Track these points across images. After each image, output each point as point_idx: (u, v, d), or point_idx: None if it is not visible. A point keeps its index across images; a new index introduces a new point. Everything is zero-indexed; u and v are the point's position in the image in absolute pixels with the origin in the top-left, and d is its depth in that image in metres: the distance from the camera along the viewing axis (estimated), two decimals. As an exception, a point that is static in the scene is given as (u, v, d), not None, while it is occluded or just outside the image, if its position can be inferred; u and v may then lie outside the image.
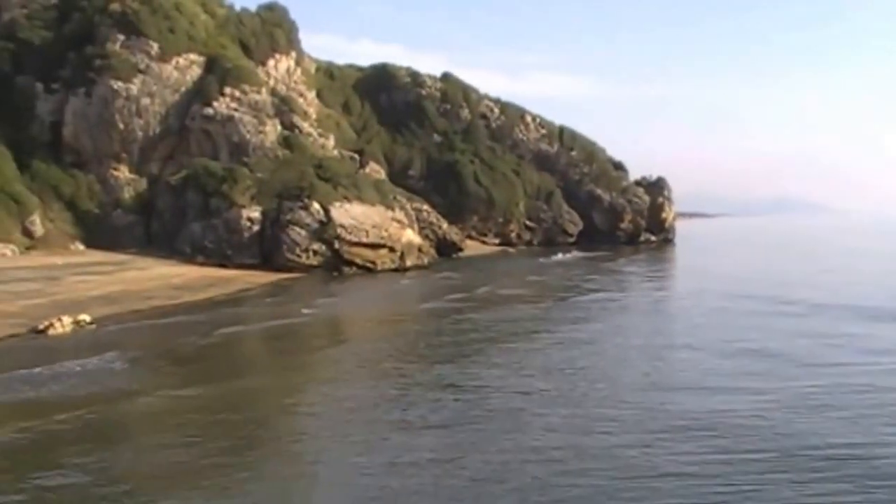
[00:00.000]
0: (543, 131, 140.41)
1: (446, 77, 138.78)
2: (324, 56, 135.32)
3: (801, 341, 45.95)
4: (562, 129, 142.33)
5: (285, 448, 28.96)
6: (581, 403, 32.93)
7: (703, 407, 31.91)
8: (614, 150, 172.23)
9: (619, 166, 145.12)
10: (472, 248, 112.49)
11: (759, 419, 30.25)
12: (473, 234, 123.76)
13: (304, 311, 59.09)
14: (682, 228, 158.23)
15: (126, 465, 26.48)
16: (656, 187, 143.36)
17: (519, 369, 39.09)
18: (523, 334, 49.57)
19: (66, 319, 50.33)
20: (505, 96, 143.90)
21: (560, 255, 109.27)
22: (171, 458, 27.10)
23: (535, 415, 31.28)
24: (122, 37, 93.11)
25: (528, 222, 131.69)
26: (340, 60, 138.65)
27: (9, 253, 79.43)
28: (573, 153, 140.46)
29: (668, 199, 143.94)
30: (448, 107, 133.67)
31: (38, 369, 38.31)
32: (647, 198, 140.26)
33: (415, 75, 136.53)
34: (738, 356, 41.91)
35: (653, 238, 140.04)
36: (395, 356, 43.17)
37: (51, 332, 48.59)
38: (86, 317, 52.20)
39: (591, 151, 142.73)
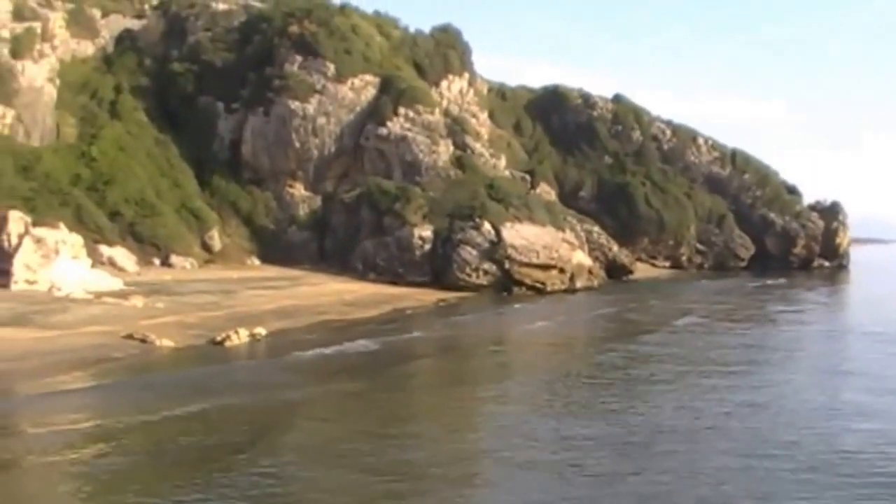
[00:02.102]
0: (716, 154, 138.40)
1: (618, 99, 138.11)
2: (495, 77, 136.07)
3: None
4: (734, 152, 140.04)
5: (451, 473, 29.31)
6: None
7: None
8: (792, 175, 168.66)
9: (792, 190, 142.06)
10: (641, 270, 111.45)
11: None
12: (643, 256, 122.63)
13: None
14: (857, 254, 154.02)
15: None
16: (831, 212, 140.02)
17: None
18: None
19: (243, 332, 51.38)
20: (676, 116, 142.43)
21: (734, 280, 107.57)
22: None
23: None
24: (300, 58, 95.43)
25: (699, 245, 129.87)
26: (511, 81, 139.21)
27: (188, 266, 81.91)
28: (746, 176, 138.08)
29: (843, 224, 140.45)
30: (619, 128, 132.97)
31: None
32: (821, 223, 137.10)
33: (586, 97, 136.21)
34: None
35: (826, 264, 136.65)
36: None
37: (227, 343, 49.64)
38: (261, 329, 53.19)
39: (764, 175, 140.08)
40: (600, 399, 38.33)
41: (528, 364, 50.49)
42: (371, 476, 26.70)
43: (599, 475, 27.29)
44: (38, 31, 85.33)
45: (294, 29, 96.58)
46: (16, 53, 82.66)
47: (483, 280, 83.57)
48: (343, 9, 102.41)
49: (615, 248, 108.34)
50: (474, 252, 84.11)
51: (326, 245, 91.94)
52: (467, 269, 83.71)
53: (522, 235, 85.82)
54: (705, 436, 31.86)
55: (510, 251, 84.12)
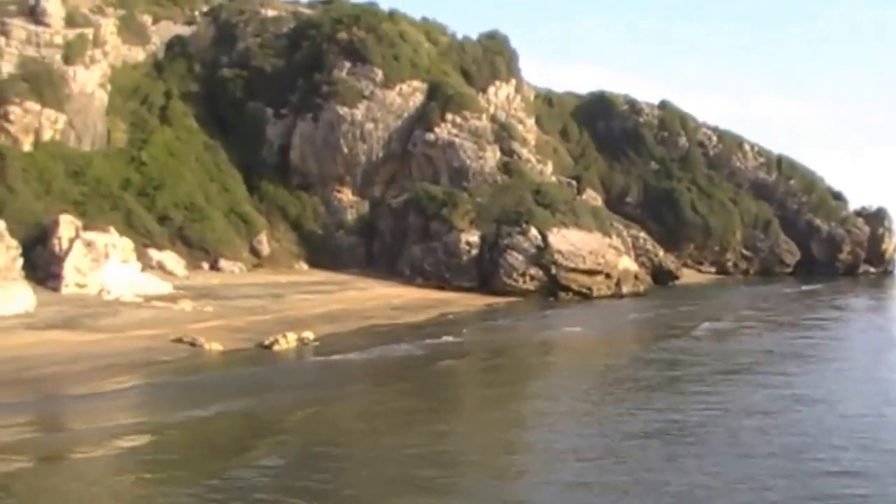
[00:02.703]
0: (762, 160, 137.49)
1: (664, 104, 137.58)
2: (542, 83, 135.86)
3: None
4: (780, 158, 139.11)
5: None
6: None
7: None
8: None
9: (838, 196, 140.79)
10: (687, 276, 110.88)
11: None
12: (689, 262, 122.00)
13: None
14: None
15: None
16: (877, 217, 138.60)
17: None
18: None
19: (291, 336, 51.65)
20: (723, 120, 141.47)
21: (780, 286, 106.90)
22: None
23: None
24: (348, 64, 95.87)
25: (744, 251, 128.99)
26: (557, 87, 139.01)
27: (237, 270, 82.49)
28: (791, 182, 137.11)
29: (889, 229, 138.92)
30: (665, 134, 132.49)
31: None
32: (866, 228, 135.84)
33: (632, 103, 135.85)
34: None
35: (872, 270, 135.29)
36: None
37: (276, 347, 50.02)
38: (309, 334, 53.42)
39: (810, 180, 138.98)
40: (642, 399, 38.39)
41: (575, 367, 50.58)
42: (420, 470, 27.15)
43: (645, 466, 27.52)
44: (90, 37, 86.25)
45: (343, 35, 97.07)
46: (68, 59, 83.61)
47: (529, 285, 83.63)
48: (391, 15, 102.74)
49: (661, 253, 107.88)
50: (521, 257, 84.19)
51: (374, 250, 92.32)
52: (514, 275, 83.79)
53: (569, 241, 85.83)
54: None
55: (556, 256, 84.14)
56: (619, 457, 29.45)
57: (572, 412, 36.56)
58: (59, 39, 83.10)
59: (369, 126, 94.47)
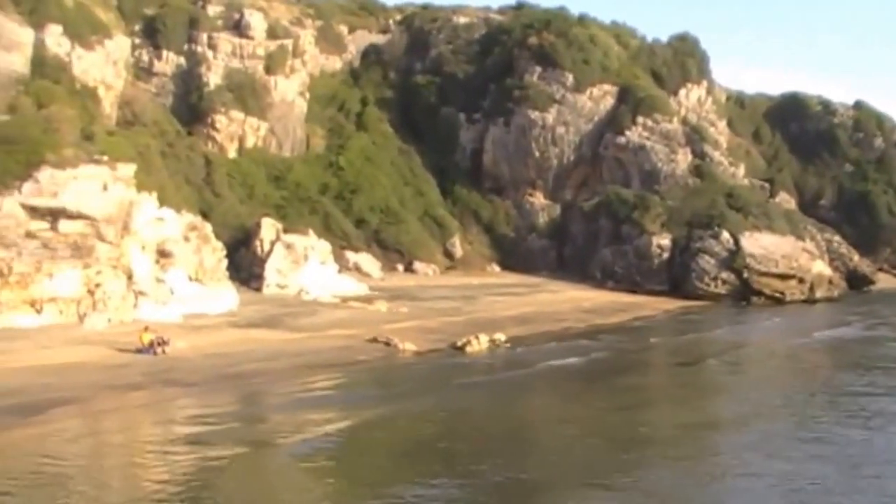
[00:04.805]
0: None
1: (859, 105, 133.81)
2: (732, 85, 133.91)
3: None
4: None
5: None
6: None
7: None
8: None
9: None
10: (883, 280, 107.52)
11: None
12: (885, 266, 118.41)
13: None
14: None
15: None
16: None
17: None
18: None
19: (483, 337, 52.40)
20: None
21: None
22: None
23: None
24: (539, 69, 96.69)
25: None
26: (748, 88, 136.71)
27: (431, 272, 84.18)
28: None
29: None
30: (861, 135, 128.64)
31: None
32: None
33: (826, 104, 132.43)
34: None
35: None
36: None
37: (468, 348, 50.80)
38: (501, 336, 54.00)
39: None
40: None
41: (778, 377, 49.66)
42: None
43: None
44: (290, 47, 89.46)
45: (533, 40, 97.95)
46: (269, 69, 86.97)
47: (721, 289, 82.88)
48: (581, 19, 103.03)
49: (856, 257, 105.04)
50: (712, 261, 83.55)
51: (565, 253, 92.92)
52: (705, 279, 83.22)
53: (761, 244, 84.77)
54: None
55: (749, 260, 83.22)
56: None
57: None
58: (261, 51, 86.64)
59: (560, 130, 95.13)
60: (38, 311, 47.15)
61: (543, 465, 29.04)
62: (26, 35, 55.35)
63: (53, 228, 48.74)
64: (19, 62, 54.29)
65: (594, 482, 27.05)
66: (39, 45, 57.47)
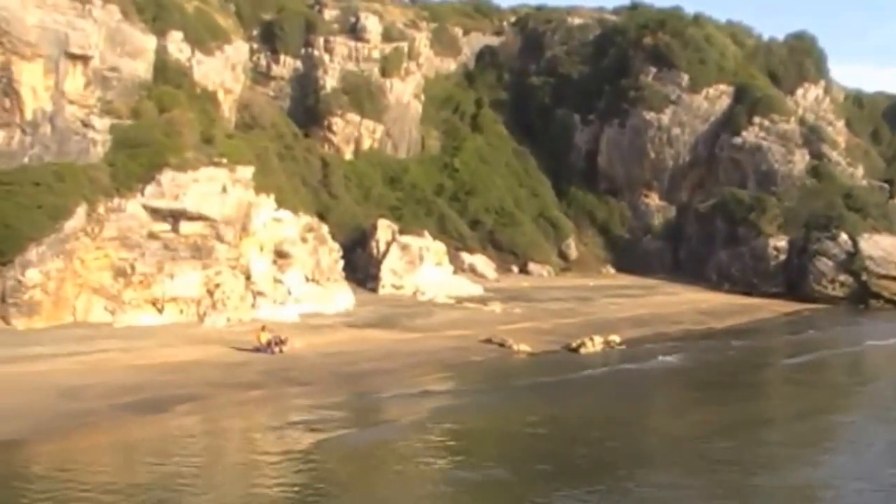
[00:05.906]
0: None
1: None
2: (852, 84, 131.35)
3: None
4: None
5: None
6: None
7: None
8: None
9: None
10: None
11: None
12: None
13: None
14: None
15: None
16: None
17: None
18: None
19: (597, 339, 52.55)
20: None
21: None
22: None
23: None
24: (654, 69, 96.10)
25: None
26: (869, 88, 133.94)
27: (545, 274, 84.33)
28: None
29: None
30: None
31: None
32: None
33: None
34: None
35: None
36: None
37: (582, 350, 50.92)
38: (615, 337, 54.14)
39: None
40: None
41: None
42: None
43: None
44: (405, 50, 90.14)
45: (648, 40, 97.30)
46: (385, 72, 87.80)
47: (838, 292, 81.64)
48: (697, 18, 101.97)
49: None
50: (830, 263, 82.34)
51: (681, 254, 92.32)
52: (823, 281, 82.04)
53: (881, 246, 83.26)
54: None
55: (868, 263, 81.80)
56: None
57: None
58: (376, 54, 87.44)
59: (676, 131, 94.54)
60: (160, 311, 48.63)
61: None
62: (149, 42, 56.76)
63: (174, 230, 50.20)
64: (142, 68, 55.75)
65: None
66: (161, 52, 58.84)
